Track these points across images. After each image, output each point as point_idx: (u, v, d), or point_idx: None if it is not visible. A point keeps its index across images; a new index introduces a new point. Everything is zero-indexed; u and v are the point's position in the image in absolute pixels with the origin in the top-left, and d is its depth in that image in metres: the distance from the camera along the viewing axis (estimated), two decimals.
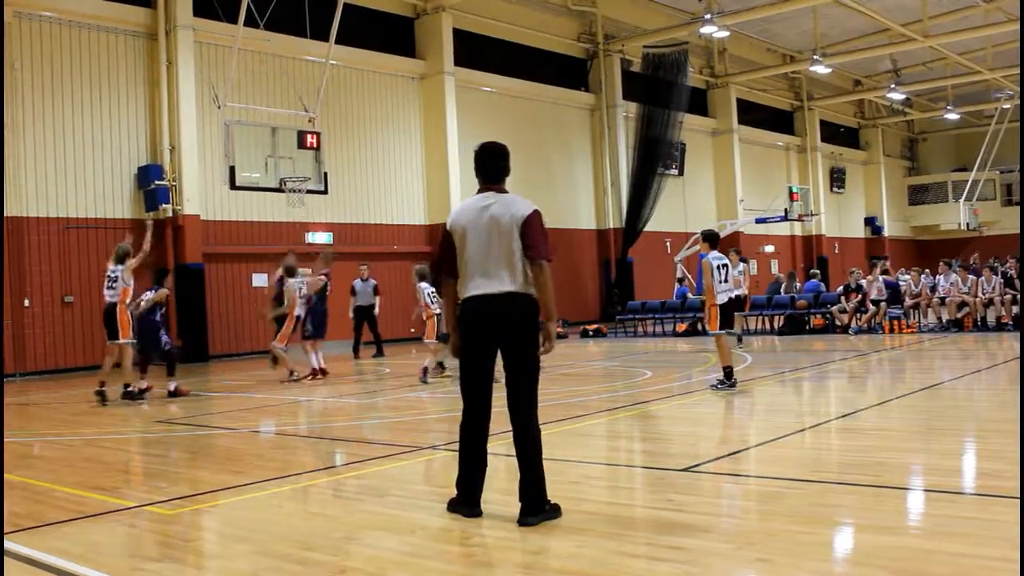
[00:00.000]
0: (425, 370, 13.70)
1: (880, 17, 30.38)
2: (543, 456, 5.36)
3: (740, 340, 18.35)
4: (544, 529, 5.12)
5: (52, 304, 19.01)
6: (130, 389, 12.55)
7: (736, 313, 18.17)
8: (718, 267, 11.49)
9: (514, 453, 5.39)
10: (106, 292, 12.52)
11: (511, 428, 5.37)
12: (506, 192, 5.55)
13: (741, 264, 18.21)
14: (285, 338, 14.85)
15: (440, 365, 14.53)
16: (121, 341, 12.45)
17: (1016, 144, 40.13)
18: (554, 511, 5.32)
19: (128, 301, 12.52)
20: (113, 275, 12.48)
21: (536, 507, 5.25)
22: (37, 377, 18.23)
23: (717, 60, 36.52)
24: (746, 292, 18.16)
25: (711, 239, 11.78)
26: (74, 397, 14.29)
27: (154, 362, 13.56)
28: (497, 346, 5.40)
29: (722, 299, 11.50)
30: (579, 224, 31.26)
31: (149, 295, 13.19)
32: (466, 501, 5.48)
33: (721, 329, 11.50)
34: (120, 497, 6.46)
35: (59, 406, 13.30)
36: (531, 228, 5.34)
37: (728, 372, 11.25)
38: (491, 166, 5.62)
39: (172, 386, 13.04)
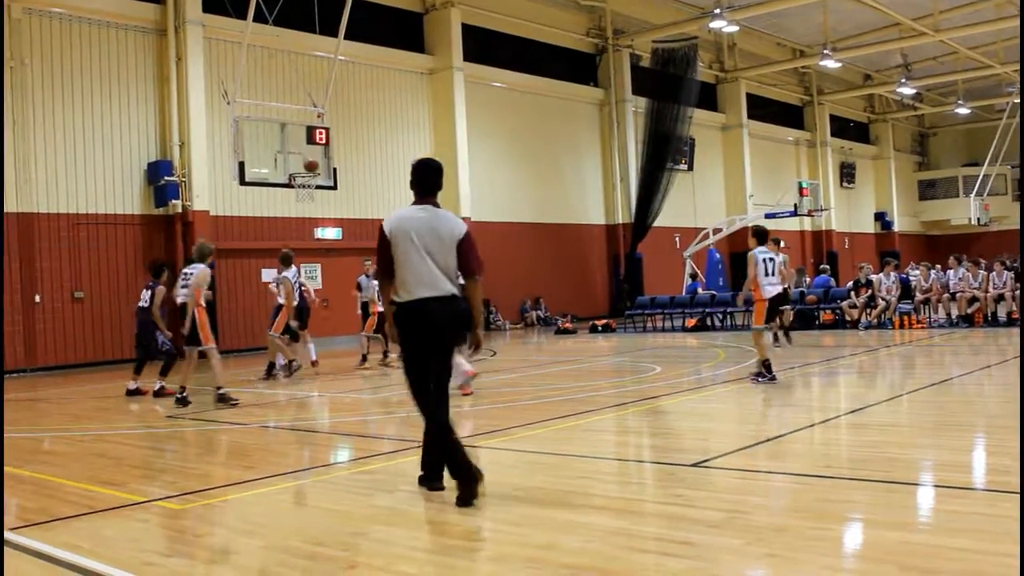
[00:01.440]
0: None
1: (890, 11, 30.27)
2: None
3: (786, 337, 17.02)
4: (553, 524, 5.12)
5: (62, 300, 19.09)
6: (184, 395, 11.56)
7: (782, 307, 17.52)
8: (763, 260, 11.34)
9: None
10: (180, 291, 11.68)
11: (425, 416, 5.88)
12: (439, 206, 6.14)
13: (781, 256, 17.47)
14: (281, 327, 14.79)
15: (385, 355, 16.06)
16: (203, 347, 11.54)
17: None
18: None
19: (203, 302, 11.62)
20: (189, 274, 11.66)
21: (475, 475, 5.70)
22: (47, 373, 18.31)
23: (726, 55, 36.44)
24: (787, 285, 17.38)
25: (760, 235, 11.63)
26: (84, 393, 14.35)
27: (152, 360, 13.25)
28: (432, 341, 5.85)
29: (769, 292, 11.37)
30: (588, 219, 31.26)
31: (147, 294, 13.04)
32: (430, 475, 5.99)
33: (765, 323, 11.40)
34: (130, 492, 6.48)
35: (69, 402, 13.34)
36: (467, 246, 5.94)
37: (768, 365, 11.21)
38: (428, 181, 6.21)
39: (158, 385, 12.72)
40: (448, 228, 5.95)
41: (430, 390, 5.83)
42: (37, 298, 18.72)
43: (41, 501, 6.35)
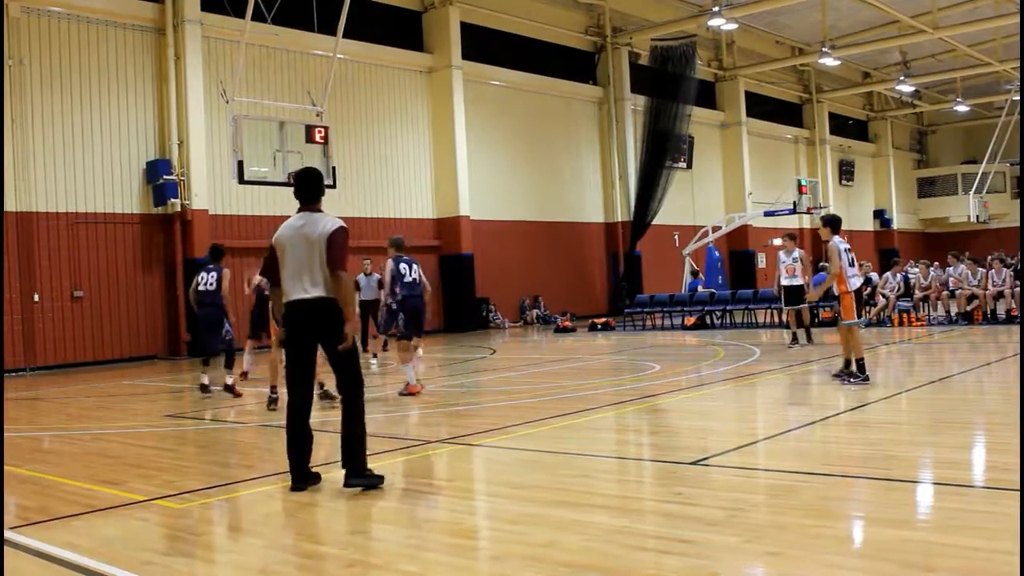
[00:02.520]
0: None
1: (889, 9, 30.26)
2: (363, 430, 6.26)
3: (807, 337, 16.64)
4: (552, 523, 5.11)
5: (61, 299, 19.07)
6: (326, 388, 10.49)
7: (800, 306, 16.38)
8: (845, 251, 10.75)
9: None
10: None
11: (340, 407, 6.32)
12: (319, 211, 6.47)
13: (797, 251, 16.77)
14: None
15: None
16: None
17: None
18: (377, 479, 6.13)
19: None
20: None
21: (357, 471, 6.12)
22: (47, 372, 18.30)
23: (725, 53, 36.42)
24: (804, 281, 16.36)
25: (833, 223, 10.97)
26: (84, 392, 14.33)
27: (216, 354, 12.41)
28: (316, 341, 6.34)
29: (853, 284, 10.74)
30: (587, 217, 31.25)
31: (211, 276, 12.13)
32: (295, 476, 6.26)
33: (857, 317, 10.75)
34: (130, 491, 6.48)
35: (69, 401, 13.33)
36: (332, 242, 6.23)
37: (861, 365, 10.53)
38: (305, 190, 6.52)
39: (230, 380, 12.03)
40: (317, 230, 6.26)
41: (308, 384, 6.41)
42: (36, 297, 18.70)
43: (40, 500, 6.34)
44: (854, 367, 10.63)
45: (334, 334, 6.21)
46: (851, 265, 10.76)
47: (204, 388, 12.31)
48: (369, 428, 9.58)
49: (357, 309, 19.12)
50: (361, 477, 6.10)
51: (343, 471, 6.18)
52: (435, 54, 26.26)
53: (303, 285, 6.23)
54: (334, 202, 23.07)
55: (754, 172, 37.34)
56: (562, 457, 7.20)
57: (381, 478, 6.15)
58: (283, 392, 12.59)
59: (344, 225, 6.38)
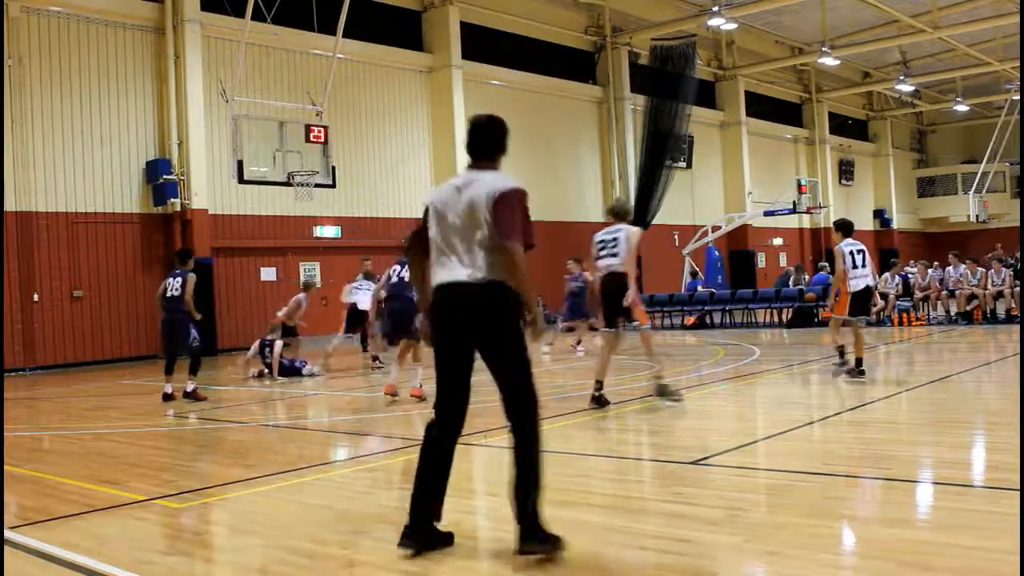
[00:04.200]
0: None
1: (889, 9, 30.26)
2: (540, 471, 4.56)
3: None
4: (552, 522, 5.08)
5: (61, 299, 19.08)
6: (601, 393, 9.66)
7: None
8: (850, 253, 10.98)
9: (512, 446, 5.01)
10: (604, 261, 10.17)
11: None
12: (491, 169, 4.89)
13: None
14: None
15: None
16: (637, 325, 10.23)
17: None
18: (550, 542, 4.44)
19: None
20: (612, 240, 10.20)
21: (529, 531, 4.46)
22: (47, 372, 18.30)
23: (725, 52, 36.41)
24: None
25: (843, 228, 11.33)
26: (83, 392, 14.33)
27: (179, 358, 12.18)
28: (470, 341, 4.70)
29: (856, 285, 10.95)
30: (587, 217, 31.21)
31: (177, 282, 11.88)
32: (412, 528, 4.64)
33: (853, 316, 11.00)
34: (129, 491, 6.48)
35: (68, 400, 13.33)
36: (502, 204, 4.66)
37: (842, 351, 11.01)
38: (479, 143, 4.91)
39: (191, 387, 11.84)
40: (482, 192, 4.66)
41: (455, 409, 4.75)
42: (36, 297, 18.71)
43: (40, 500, 6.34)
44: (852, 362, 10.90)
45: (494, 331, 4.65)
46: (856, 267, 10.95)
47: (167, 397, 11.83)
48: (369, 428, 9.61)
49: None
50: (539, 538, 4.44)
51: (517, 526, 4.52)
52: (435, 54, 26.26)
53: (454, 263, 4.67)
54: (334, 202, 23.12)
55: (754, 172, 37.32)
56: (562, 457, 7.19)
57: (558, 540, 4.46)
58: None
59: (522, 187, 4.81)
